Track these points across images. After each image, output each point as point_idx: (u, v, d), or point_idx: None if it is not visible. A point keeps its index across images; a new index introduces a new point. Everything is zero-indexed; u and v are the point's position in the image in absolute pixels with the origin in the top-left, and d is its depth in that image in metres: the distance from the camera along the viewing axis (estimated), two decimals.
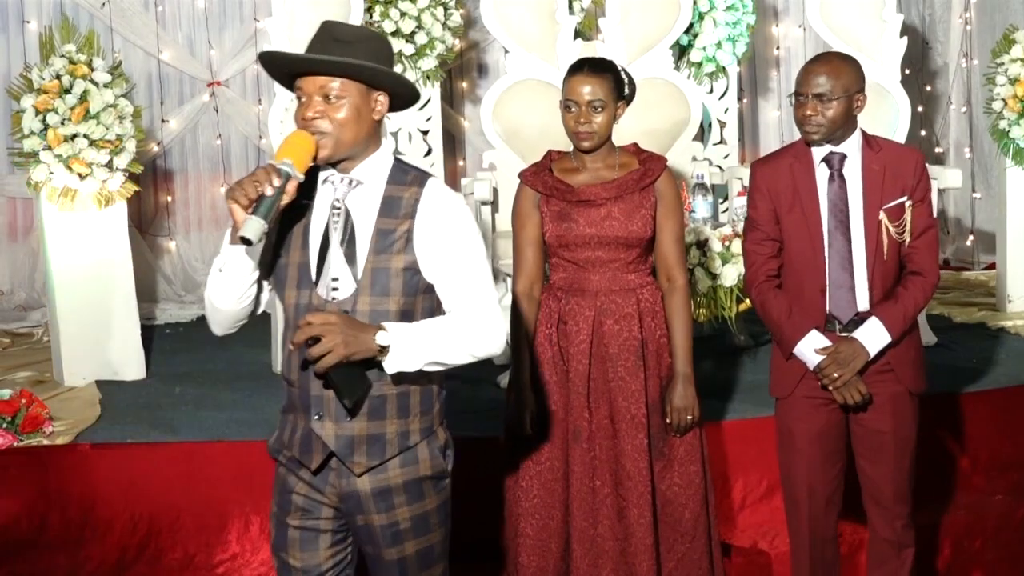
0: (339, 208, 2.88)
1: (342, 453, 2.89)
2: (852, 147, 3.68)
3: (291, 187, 2.74)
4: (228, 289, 2.89)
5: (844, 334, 3.65)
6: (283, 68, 2.89)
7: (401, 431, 2.92)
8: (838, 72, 3.62)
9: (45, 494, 4.58)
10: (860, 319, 3.65)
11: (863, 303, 3.66)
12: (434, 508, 2.98)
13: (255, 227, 2.68)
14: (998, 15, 8.34)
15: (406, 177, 2.90)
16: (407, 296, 2.86)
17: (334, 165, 2.88)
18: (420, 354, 2.79)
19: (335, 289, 2.86)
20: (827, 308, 3.67)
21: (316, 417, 2.88)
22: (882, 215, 3.63)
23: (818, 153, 3.68)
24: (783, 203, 3.69)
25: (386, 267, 2.84)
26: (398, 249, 2.84)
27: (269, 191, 2.70)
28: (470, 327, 2.85)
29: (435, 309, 2.91)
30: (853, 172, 3.66)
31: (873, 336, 3.63)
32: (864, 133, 3.71)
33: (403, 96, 2.94)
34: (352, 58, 2.80)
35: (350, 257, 2.85)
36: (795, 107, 3.67)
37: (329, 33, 2.87)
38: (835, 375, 3.62)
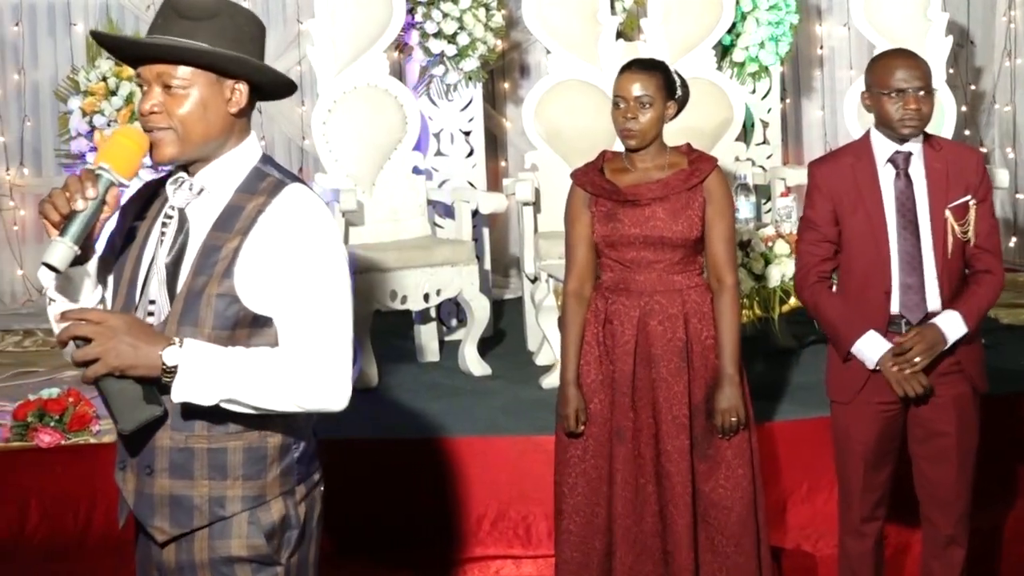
0: (171, 217, 2.40)
1: (141, 515, 2.41)
2: (916, 146, 3.64)
3: (111, 197, 2.27)
4: (51, 313, 2.39)
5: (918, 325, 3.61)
6: (114, 53, 2.46)
7: (214, 496, 2.36)
8: (926, 66, 3.65)
9: (91, 493, 4.62)
10: (929, 319, 3.62)
11: (933, 303, 3.62)
12: None
13: (60, 252, 2.22)
14: None
15: (260, 184, 2.40)
16: (219, 329, 2.30)
17: (185, 167, 2.41)
18: (218, 384, 2.24)
19: (151, 314, 2.36)
20: (893, 309, 3.63)
21: (120, 467, 2.43)
22: (948, 214, 3.60)
23: (883, 152, 3.64)
24: (845, 204, 3.65)
25: (200, 291, 2.32)
26: (218, 271, 2.32)
27: (80, 205, 2.22)
28: (299, 369, 2.29)
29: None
30: (917, 171, 3.63)
31: (952, 325, 3.58)
32: (925, 132, 3.68)
33: (268, 85, 2.48)
34: (200, 39, 2.32)
35: (172, 277, 2.37)
36: (883, 103, 3.59)
37: (173, 7, 2.37)
38: (917, 358, 3.57)
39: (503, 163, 7.97)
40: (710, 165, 3.77)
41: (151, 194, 2.51)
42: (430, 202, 6.30)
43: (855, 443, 3.73)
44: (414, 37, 6.51)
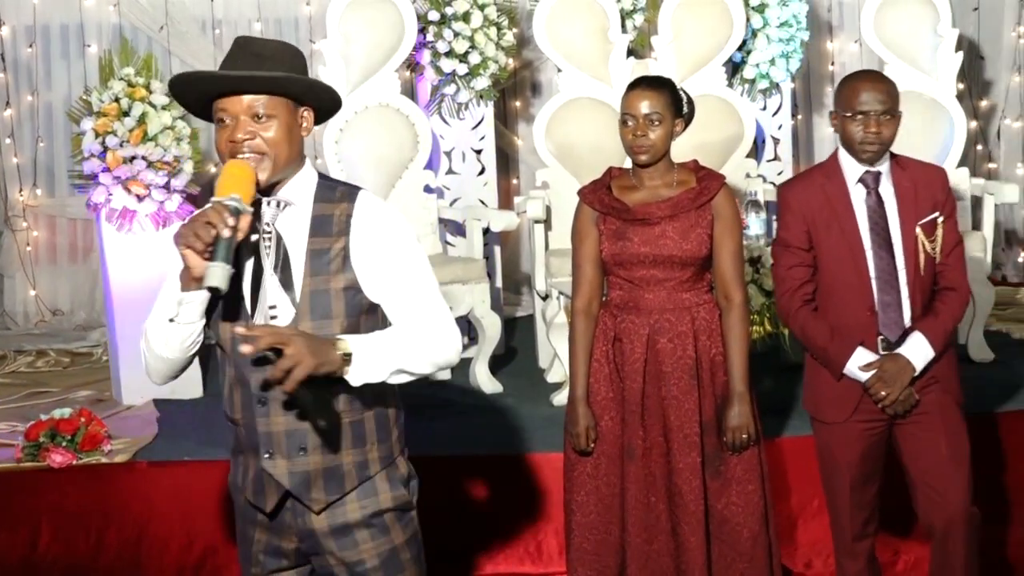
0: (269, 232, 2.70)
1: (298, 491, 2.73)
2: (884, 165, 3.67)
3: (244, 223, 2.53)
4: (178, 338, 2.66)
5: (887, 352, 3.63)
6: (205, 88, 2.66)
7: (358, 461, 2.75)
8: (893, 90, 3.64)
9: (103, 512, 4.64)
10: (905, 336, 3.63)
11: (908, 320, 3.64)
12: (403, 543, 2.81)
13: (221, 274, 2.46)
14: None
15: (334, 194, 2.73)
16: (350, 317, 2.68)
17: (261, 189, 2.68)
18: (384, 362, 2.60)
19: (273, 317, 2.67)
20: (878, 326, 3.65)
21: (267, 456, 2.72)
22: (918, 231, 3.62)
23: (852, 172, 3.66)
24: (819, 224, 3.66)
25: (325, 288, 2.67)
26: (336, 268, 2.68)
27: (226, 232, 2.48)
28: (426, 334, 2.67)
29: (379, 330, 2.71)
30: (887, 190, 3.66)
31: (918, 351, 3.61)
32: (890, 152, 3.70)
33: (327, 109, 2.78)
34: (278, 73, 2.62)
35: (286, 282, 2.68)
36: (846, 124, 3.61)
37: (247, 49, 2.67)
38: (883, 393, 3.60)
39: (514, 181, 7.98)
40: (718, 183, 3.78)
41: None
42: (441, 220, 6.32)
43: (841, 464, 3.74)
44: (426, 56, 6.53)
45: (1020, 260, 8.41)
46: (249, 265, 2.70)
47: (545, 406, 5.42)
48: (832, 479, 3.80)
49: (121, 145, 5.49)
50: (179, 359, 2.73)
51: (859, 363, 3.64)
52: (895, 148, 3.71)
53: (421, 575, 2.86)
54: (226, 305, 2.68)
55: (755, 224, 5.61)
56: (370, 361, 2.58)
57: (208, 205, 2.54)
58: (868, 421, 3.69)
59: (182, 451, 4.94)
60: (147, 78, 5.66)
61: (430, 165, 6.30)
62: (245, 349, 2.49)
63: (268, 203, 2.69)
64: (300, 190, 2.72)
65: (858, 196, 3.66)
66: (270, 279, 2.69)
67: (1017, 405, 5.15)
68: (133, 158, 5.50)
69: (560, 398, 5.28)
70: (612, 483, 3.81)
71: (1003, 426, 4.97)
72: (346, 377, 2.56)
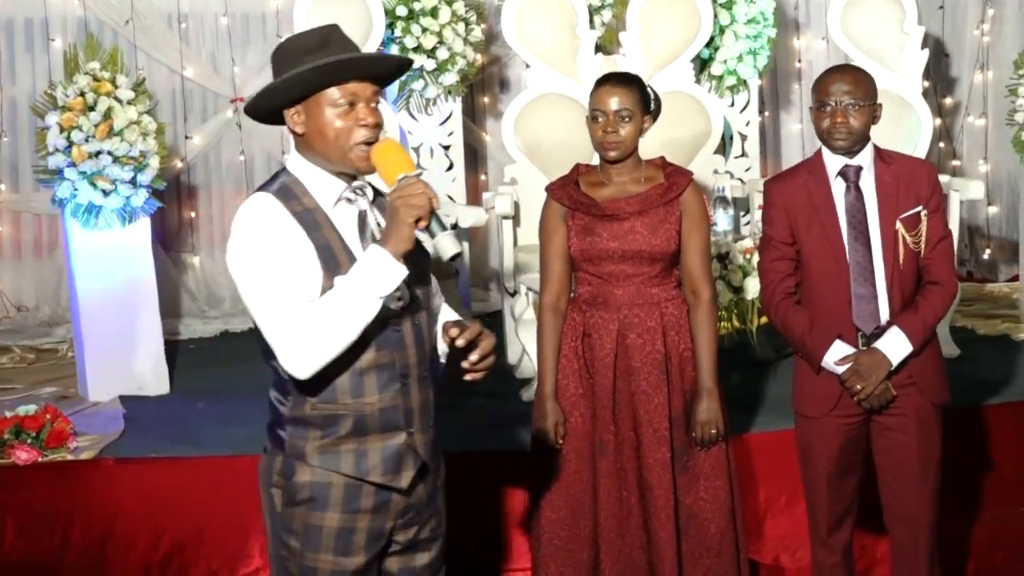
0: (376, 215, 2.81)
1: (430, 460, 2.89)
2: (866, 159, 3.69)
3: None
4: (373, 315, 2.67)
5: (864, 347, 3.65)
6: (353, 70, 2.73)
7: (438, 434, 2.93)
8: (861, 80, 3.67)
9: (69, 510, 4.60)
10: (882, 330, 3.65)
11: (884, 314, 3.66)
12: (446, 514, 3.02)
13: (456, 240, 2.65)
14: (1016, 27, 8.31)
15: None
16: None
17: (348, 176, 2.79)
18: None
19: (399, 299, 2.76)
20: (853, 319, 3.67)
21: (409, 432, 2.82)
22: (899, 225, 3.64)
23: (833, 166, 3.69)
24: (801, 219, 3.70)
25: (425, 270, 2.88)
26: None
27: (437, 204, 2.65)
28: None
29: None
30: (868, 184, 3.68)
31: (895, 346, 3.63)
32: (875, 146, 3.73)
33: None
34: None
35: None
36: (818, 117, 3.67)
37: (347, 38, 2.80)
38: (858, 387, 3.63)
39: (483, 177, 7.98)
40: (686, 179, 3.79)
41: (314, 204, 2.75)
42: None
43: (819, 457, 3.77)
44: (394, 51, 6.51)
45: (985, 257, 8.48)
46: (357, 250, 2.75)
47: (514, 402, 5.42)
48: (810, 472, 3.82)
49: (86, 140, 5.45)
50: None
51: (836, 357, 3.66)
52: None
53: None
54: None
55: (723, 220, 5.63)
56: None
57: (402, 182, 2.63)
58: (847, 416, 3.71)
59: (149, 448, 4.91)
60: (113, 72, 5.62)
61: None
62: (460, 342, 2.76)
63: (361, 188, 2.81)
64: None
65: (839, 190, 3.69)
66: None
67: (982, 400, 5.20)
68: (99, 153, 5.46)
69: (529, 394, 5.27)
70: (583, 478, 3.81)
71: (968, 422, 5.01)
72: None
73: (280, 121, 2.82)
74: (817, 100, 3.67)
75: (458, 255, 2.61)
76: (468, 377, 2.77)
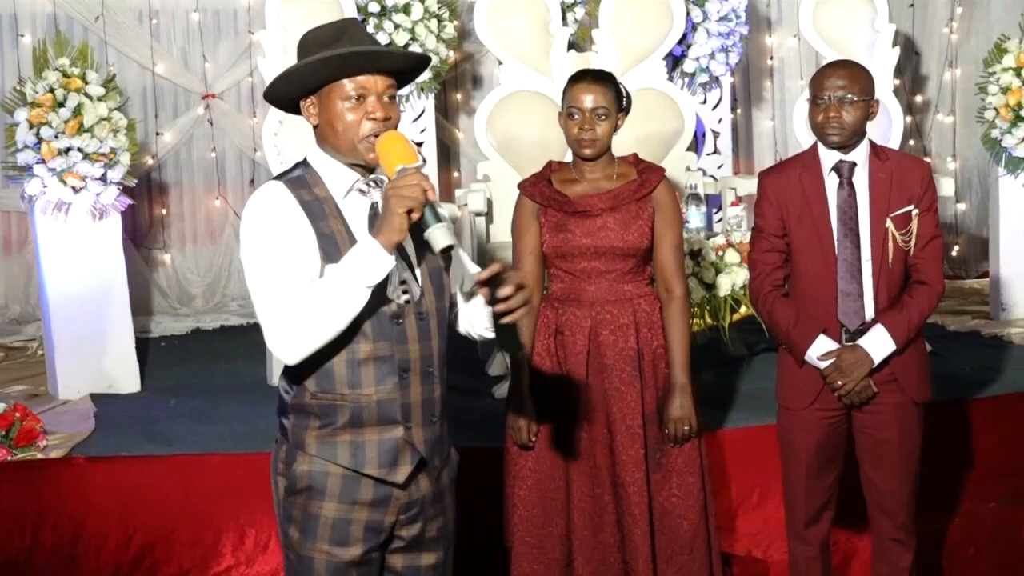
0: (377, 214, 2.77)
1: (431, 457, 2.85)
2: (861, 156, 3.69)
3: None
4: (361, 305, 2.68)
5: (849, 343, 3.67)
6: (357, 64, 2.73)
7: (448, 430, 2.93)
8: (857, 76, 3.66)
9: (39, 509, 4.57)
10: (866, 327, 3.66)
11: (870, 311, 3.67)
12: (454, 515, 2.99)
13: (449, 232, 2.60)
14: (982, 25, 8.37)
15: None
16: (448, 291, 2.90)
17: (360, 167, 2.78)
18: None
19: (405, 292, 2.77)
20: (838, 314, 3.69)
21: (407, 426, 2.80)
22: (889, 223, 3.64)
23: (828, 162, 3.69)
24: (792, 213, 3.70)
25: (438, 266, 2.83)
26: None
27: (432, 195, 2.62)
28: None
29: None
30: (861, 181, 3.68)
31: (878, 344, 3.64)
32: (872, 143, 3.73)
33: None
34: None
35: (407, 259, 2.78)
36: (812, 111, 3.67)
37: (365, 33, 2.81)
38: (839, 383, 3.64)
39: (455, 173, 7.98)
40: (659, 176, 3.80)
41: (325, 194, 2.76)
42: None
43: (799, 450, 3.78)
44: None
45: (954, 254, 8.54)
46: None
47: (487, 399, 5.42)
48: (789, 464, 3.83)
49: (56, 136, 5.42)
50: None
51: (819, 352, 3.67)
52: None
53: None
54: (396, 278, 2.76)
55: (695, 217, 5.64)
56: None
57: (401, 173, 2.61)
58: (828, 410, 3.73)
59: (120, 446, 4.89)
60: (83, 68, 5.59)
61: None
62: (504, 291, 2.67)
63: (374, 182, 2.78)
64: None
65: (832, 186, 3.69)
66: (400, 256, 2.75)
67: (953, 395, 5.23)
68: (68, 149, 5.43)
69: (502, 391, 5.28)
70: (556, 476, 3.81)
71: (938, 418, 5.03)
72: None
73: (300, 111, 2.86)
74: (812, 94, 3.68)
75: (450, 247, 2.58)
76: (507, 319, 2.70)
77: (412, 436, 2.81)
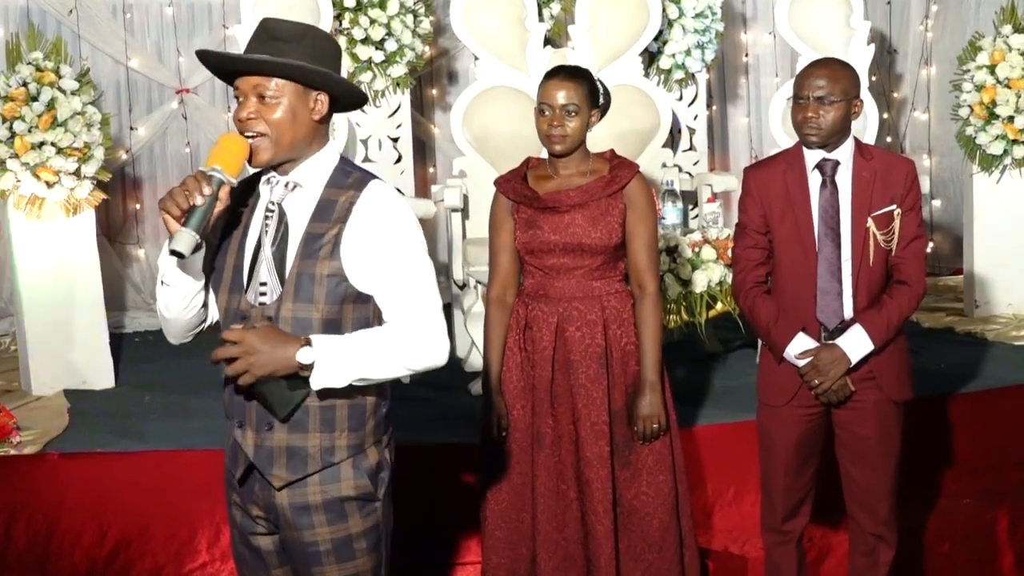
0: (273, 211, 2.79)
1: (261, 465, 2.80)
2: (845, 154, 3.69)
3: (224, 193, 2.66)
4: (173, 299, 2.82)
5: (827, 342, 3.67)
6: (218, 67, 2.83)
7: (325, 446, 2.79)
8: (838, 76, 3.64)
9: (12, 505, 4.55)
10: (845, 326, 3.67)
11: (848, 311, 3.68)
12: (360, 532, 2.84)
13: (186, 240, 2.60)
14: (957, 23, 8.40)
15: (346, 180, 2.80)
16: (331, 304, 2.74)
17: (276, 168, 2.80)
18: (348, 369, 2.68)
19: (262, 294, 2.77)
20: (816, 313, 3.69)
21: (238, 425, 2.83)
22: (870, 222, 3.64)
23: (811, 160, 3.69)
24: (775, 210, 3.70)
25: (311, 273, 2.73)
26: (324, 255, 2.73)
27: (199, 200, 2.61)
28: (407, 338, 2.73)
29: (371, 320, 2.79)
30: (844, 179, 3.68)
31: (855, 343, 3.65)
32: (857, 141, 3.73)
33: (344, 97, 2.86)
34: (289, 57, 2.71)
35: (279, 262, 2.76)
36: (793, 110, 3.67)
37: (268, 31, 2.77)
38: (816, 382, 3.65)
39: (431, 169, 7.96)
40: (630, 172, 3.79)
41: (239, 193, 2.83)
42: None
43: (778, 446, 3.79)
44: (341, 43, 6.47)
45: (928, 251, 8.57)
46: (252, 241, 2.81)
47: (463, 395, 5.42)
48: (769, 459, 3.85)
49: (30, 131, 5.39)
50: (182, 319, 2.87)
51: (797, 350, 3.68)
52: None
53: (377, 564, 2.90)
54: (227, 277, 2.81)
55: (671, 214, 5.65)
56: (332, 368, 2.67)
57: (191, 174, 2.67)
58: (807, 407, 3.74)
59: (94, 443, 4.87)
60: (56, 62, 5.55)
61: (346, 153, 6.25)
62: (216, 357, 2.65)
63: (276, 182, 2.81)
64: (312, 173, 2.80)
65: (815, 184, 3.69)
66: (266, 257, 2.77)
67: (927, 392, 5.25)
68: (42, 144, 5.40)
69: (478, 387, 5.27)
70: (524, 472, 3.82)
71: (914, 414, 5.05)
72: (309, 380, 2.67)
73: None
74: (794, 92, 3.68)
75: (177, 253, 2.60)
76: (239, 381, 2.70)
77: (243, 438, 2.82)
